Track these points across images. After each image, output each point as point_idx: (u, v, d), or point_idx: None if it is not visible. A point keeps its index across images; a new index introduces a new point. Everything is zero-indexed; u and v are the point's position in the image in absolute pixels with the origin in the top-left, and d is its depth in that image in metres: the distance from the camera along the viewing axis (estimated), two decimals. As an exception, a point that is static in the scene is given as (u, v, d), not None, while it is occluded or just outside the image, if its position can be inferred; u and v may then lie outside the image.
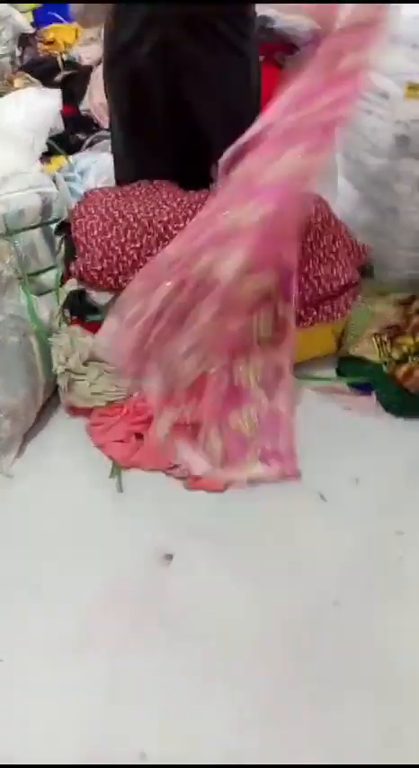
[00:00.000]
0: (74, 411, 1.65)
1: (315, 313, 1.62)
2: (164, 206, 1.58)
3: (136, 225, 1.55)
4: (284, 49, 3.31)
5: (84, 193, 1.73)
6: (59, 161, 2.34)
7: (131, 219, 1.55)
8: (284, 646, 1.18)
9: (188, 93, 1.59)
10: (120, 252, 1.54)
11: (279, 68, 3.31)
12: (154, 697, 1.12)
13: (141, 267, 1.53)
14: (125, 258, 1.54)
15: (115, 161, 1.84)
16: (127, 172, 1.77)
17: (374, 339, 1.68)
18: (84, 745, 1.06)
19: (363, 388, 1.66)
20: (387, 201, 1.83)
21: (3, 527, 1.42)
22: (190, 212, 1.56)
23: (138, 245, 1.54)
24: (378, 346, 1.66)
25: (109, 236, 1.55)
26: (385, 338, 1.67)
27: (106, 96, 1.76)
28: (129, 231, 1.55)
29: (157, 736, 1.07)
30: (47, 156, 2.30)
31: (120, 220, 1.56)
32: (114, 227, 1.56)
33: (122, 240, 1.54)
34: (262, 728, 1.07)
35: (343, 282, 1.61)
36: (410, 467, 1.49)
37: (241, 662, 1.16)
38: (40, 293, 1.78)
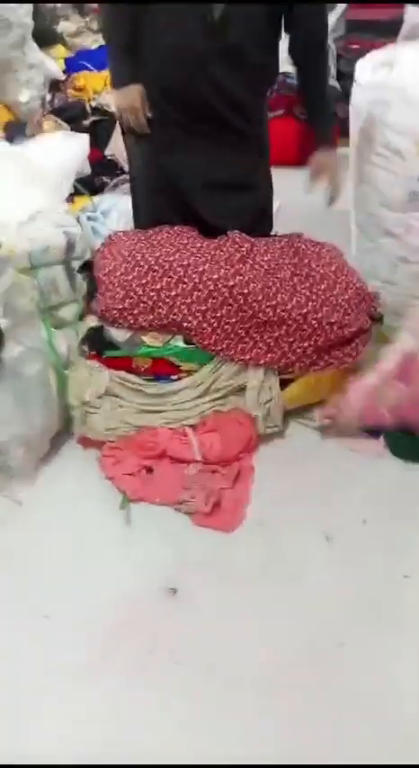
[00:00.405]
0: (86, 443, 1.68)
1: (326, 357, 1.65)
2: (185, 251, 1.63)
3: (157, 268, 1.61)
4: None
5: (109, 236, 1.79)
6: (83, 201, 2.41)
7: (153, 262, 1.61)
8: (287, 685, 1.18)
9: (201, 175, 1.70)
10: (140, 293, 1.60)
11: (296, 121, 3.45)
12: (156, 726, 1.13)
13: (160, 308, 1.60)
14: (145, 299, 1.59)
15: (133, 208, 1.92)
16: (143, 220, 1.86)
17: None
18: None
19: (371, 432, 1.68)
20: (398, 252, 1.90)
21: (12, 553, 1.44)
22: (209, 257, 1.62)
23: (158, 287, 1.59)
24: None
25: (130, 278, 1.61)
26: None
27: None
28: (150, 273, 1.60)
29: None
30: (71, 197, 2.38)
31: (142, 263, 1.62)
32: (136, 269, 1.61)
33: (143, 282, 1.60)
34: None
35: (354, 329, 1.65)
36: (417, 510, 1.51)
37: (244, 699, 1.16)
38: (59, 327, 1.83)
